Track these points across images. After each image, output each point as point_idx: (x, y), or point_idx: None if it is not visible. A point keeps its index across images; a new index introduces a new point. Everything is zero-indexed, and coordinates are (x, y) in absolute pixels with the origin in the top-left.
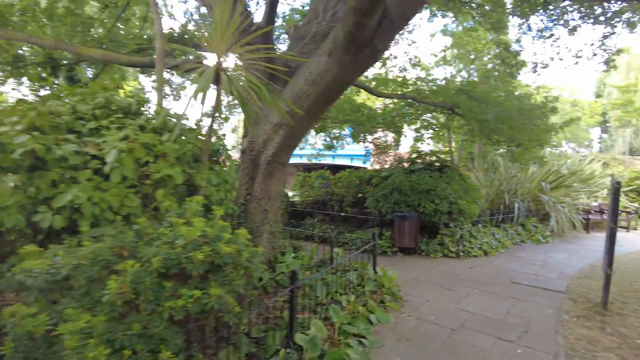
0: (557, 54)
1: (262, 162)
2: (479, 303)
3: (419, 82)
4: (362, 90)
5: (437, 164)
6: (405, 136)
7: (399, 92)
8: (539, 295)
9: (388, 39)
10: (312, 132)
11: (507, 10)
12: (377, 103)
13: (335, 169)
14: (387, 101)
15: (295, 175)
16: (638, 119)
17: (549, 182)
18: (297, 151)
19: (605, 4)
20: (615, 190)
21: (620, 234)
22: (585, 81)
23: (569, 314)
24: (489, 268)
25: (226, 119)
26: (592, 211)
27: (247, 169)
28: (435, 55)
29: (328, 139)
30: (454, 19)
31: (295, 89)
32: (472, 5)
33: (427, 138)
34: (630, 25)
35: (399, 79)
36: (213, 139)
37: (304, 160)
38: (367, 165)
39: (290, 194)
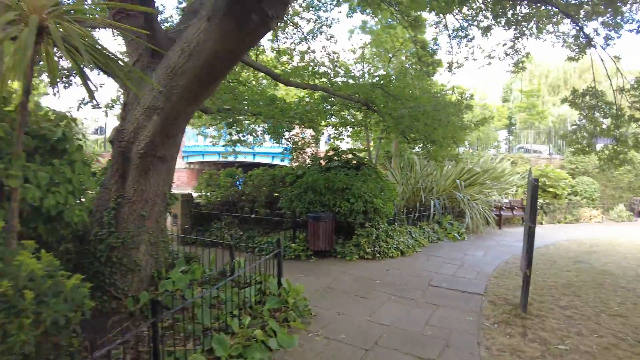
0: (472, 54)
1: (133, 156)
2: (396, 312)
3: (331, 72)
4: (279, 83)
5: (354, 161)
6: (323, 133)
7: (311, 83)
8: (458, 299)
9: (281, 4)
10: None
11: (426, 1)
12: (297, 100)
13: (252, 167)
14: (304, 94)
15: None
16: (540, 122)
17: (463, 180)
18: (212, 148)
19: (518, 7)
20: (534, 188)
21: None
22: (493, 87)
23: (490, 320)
24: (405, 270)
25: (109, 106)
26: (504, 208)
27: (116, 165)
28: (354, 52)
29: (234, 133)
30: (372, 15)
31: (169, 62)
32: (391, 2)
33: (347, 136)
34: (538, 29)
35: (310, 67)
36: (62, 123)
37: (221, 158)
38: (287, 164)
39: (194, 194)
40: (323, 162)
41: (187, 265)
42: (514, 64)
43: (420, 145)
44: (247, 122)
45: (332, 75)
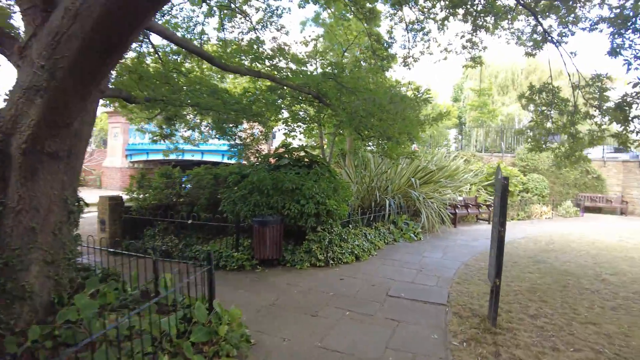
0: (428, 48)
1: (14, 153)
2: (351, 334)
3: (278, 58)
4: (226, 75)
5: (306, 159)
6: (273, 129)
7: (255, 69)
8: (419, 312)
9: None
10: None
11: None
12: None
13: (198, 165)
14: (251, 85)
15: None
16: (491, 120)
17: (418, 178)
18: (157, 146)
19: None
20: (504, 187)
21: (484, 227)
22: (444, 87)
23: (458, 337)
24: (361, 278)
25: None
26: (459, 206)
27: None
28: (306, 44)
29: (165, 127)
30: (326, 7)
31: (52, 27)
32: None
33: (300, 133)
34: (494, 25)
35: (253, 50)
36: None
37: (165, 157)
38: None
39: (125, 197)
40: (272, 160)
41: (102, 285)
42: (471, 59)
43: (374, 142)
44: (189, 115)
45: (280, 62)
